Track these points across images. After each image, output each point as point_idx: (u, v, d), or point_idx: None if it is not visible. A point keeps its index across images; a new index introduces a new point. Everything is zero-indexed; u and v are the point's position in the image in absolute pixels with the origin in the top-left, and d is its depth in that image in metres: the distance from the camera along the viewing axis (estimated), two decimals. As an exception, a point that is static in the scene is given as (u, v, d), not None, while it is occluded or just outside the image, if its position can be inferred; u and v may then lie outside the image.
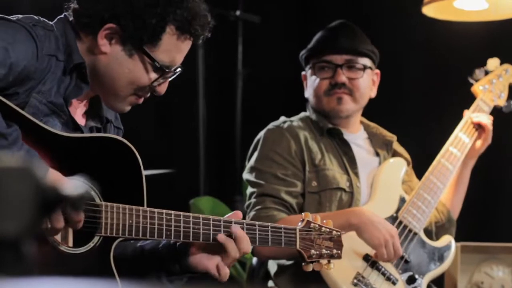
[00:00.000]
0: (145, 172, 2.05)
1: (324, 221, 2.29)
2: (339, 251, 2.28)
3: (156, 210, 2.03)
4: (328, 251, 2.26)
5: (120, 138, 2.05)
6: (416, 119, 4.27)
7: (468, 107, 3.23)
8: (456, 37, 3.95)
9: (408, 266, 2.95)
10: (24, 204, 1.00)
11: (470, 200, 3.28)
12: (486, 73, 3.31)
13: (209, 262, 2.11)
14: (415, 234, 2.98)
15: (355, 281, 2.84)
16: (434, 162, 3.10)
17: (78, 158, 1.99)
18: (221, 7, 4.30)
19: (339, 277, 2.83)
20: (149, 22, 2.04)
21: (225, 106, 4.54)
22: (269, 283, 3.04)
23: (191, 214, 2.08)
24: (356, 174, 3.04)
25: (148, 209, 2.02)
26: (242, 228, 2.13)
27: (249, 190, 3.02)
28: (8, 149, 1.82)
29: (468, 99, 3.26)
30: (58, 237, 1.93)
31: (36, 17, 2.04)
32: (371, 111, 3.25)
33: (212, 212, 3.73)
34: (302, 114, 3.17)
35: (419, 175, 3.15)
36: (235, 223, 2.13)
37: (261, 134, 3.09)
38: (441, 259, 3.03)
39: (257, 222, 2.20)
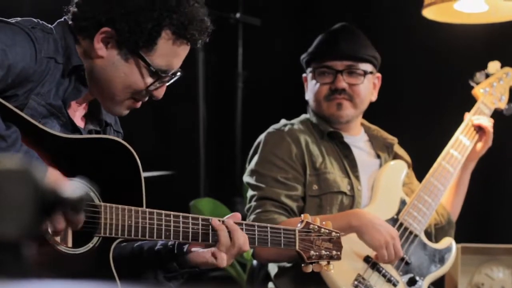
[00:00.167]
0: (145, 174, 2.05)
1: (324, 222, 2.29)
2: (339, 252, 2.28)
3: (155, 210, 2.03)
4: (328, 252, 2.26)
5: (118, 139, 2.06)
6: (416, 122, 4.27)
7: (468, 110, 3.23)
8: (456, 39, 3.95)
9: (409, 268, 2.95)
10: (23, 205, 1.00)
11: (471, 202, 3.28)
12: (487, 76, 3.31)
13: (206, 253, 2.12)
14: (416, 236, 2.98)
15: (355, 282, 2.84)
16: (435, 165, 3.10)
17: (77, 159, 1.99)
18: (221, 9, 4.30)
19: (339, 278, 2.83)
20: (144, 26, 2.04)
21: (225, 108, 4.54)
22: (269, 284, 3.04)
23: (190, 215, 2.09)
24: (357, 177, 3.04)
25: (147, 209, 2.03)
26: (241, 229, 2.14)
27: (250, 193, 3.01)
28: (7, 150, 1.82)
29: (469, 102, 3.26)
30: (57, 238, 1.93)
31: (35, 20, 2.05)
32: (372, 113, 3.25)
33: (212, 214, 3.73)
34: (303, 117, 3.16)
35: (420, 178, 3.16)
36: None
37: (262, 137, 3.09)
38: (441, 261, 3.03)
39: (256, 223, 2.21)
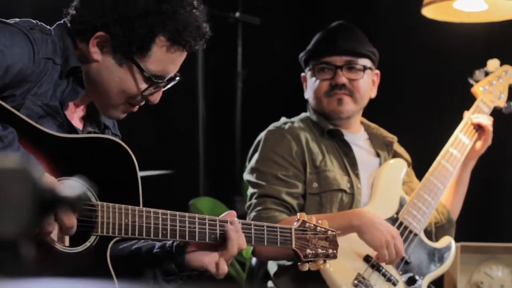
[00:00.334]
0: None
1: (319, 221, 2.30)
2: (335, 251, 2.29)
3: (151, 209, 2.03)
4: (324, 251, 2.26)
5: (115, 139, 2.06)
6: (416, 120, 4.27)
7: (468, 108, 3.23)
8: (456, 38, 3.95)
9: (409, 267, 2.95)
10: (21, 204, 1.00)
11: (470, 201, 3.28)
12: (486, 74, 3.31)
13: (205, 258, 2.11)
14: (416, 235, 2.98)
15: (355, 282, 2.84)
16: (434, 163, 3.10)
17: (74, 159, 1.99)
18: (221, 8, 4.30)
19: (339, 278, 2.83)
20: (138, 32, 2.04)
21: (225, 107, 4.55)
22: (269, 283, 3.04)
23: (186, 214, 2.09)
24: (357, 175, 3.04)
25: (144, 208, 2.03)
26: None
27: (250, 191, 3.02)
28: (4, 151, 1.82)
29: (468, 100, 3.26)
30: (54, 237, 1.93)
31: (33, 21, 2.05)
32: (371, 111, 3.25)
33: (211, 213, 3.73)
34: (303, 115, 3.17)
35: (419, 176, 3.16)
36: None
37: (262, 135, 3.09)
38: (441, 260, 3.03)
39: (252, 222, 2.21)
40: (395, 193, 3.06)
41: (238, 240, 2.11)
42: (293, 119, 3.15)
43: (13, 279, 0.99)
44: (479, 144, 3.18)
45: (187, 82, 2.26)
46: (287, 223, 2.30)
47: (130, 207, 2.00)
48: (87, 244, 1.98)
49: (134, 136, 2.26)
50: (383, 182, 3.06)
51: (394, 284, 2.89)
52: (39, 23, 2.06)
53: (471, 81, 3.31)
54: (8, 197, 0.99)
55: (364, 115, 3.22)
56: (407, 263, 2.94)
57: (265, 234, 2.19)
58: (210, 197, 4.00)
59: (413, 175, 3.24)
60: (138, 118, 2.44)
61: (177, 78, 2.13)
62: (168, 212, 2.06)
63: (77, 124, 2.13)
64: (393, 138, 3.23)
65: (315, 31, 3.23)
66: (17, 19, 2.03)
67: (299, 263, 2.26)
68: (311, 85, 3.12)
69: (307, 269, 2.26)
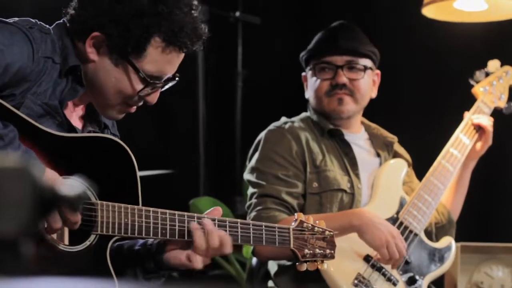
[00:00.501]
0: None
1: (317, 221, 2.30)
2: (332, 251, 2.29)
3: (151, 209, 2.04)
4: (322, 251, 2.27)
5: (114, 138, 2.07)
6: (416, 120, 4.27)
7: (468, 109, 3.23)
8: (456, 38, 3.95)
9: (409, 267, 2.95)
10: (22, 203, 1.00)
11: (470, 201, 3.28)
12: (487, 74, 3.31)
13: (182, 255, 2.11)
14: (416, 235, 2.97)
15: (355, 282, 2.83)
16: (435, 163, 3.10)
17: (74, 158, 2.00)
18: (221, 8, 4.30)
19: (339, 277, 2.83)
20: (133, 32, 2.03)
21: (225, 107, 4.55)
22: (269, 283, 3.04)
23: (185, 213, 2.09)
24: (357, 175, 3.04)
25: (143, 207, 2.03)
26: (236, 227, 2.14)
27: (250, 190, 3.02)
28: (4, 149, 1.83)
29: (469, 100, 3.26)
30: (54, 236, 1.94)
31: (33, 20, 2.06)
32: (372, 111, 3.25)
33: (212, 213, 3.72)
34: (303, 115, 3.17)
35: (420, 176, 3.15)
36: (230, 222, 2.14)
37: (262, 134, 3.09)
38: (441, 260, 3.02)
39: (251, 222, 2.21)
40: (395, 193, 3.05)
41: (212, 244, 2.09)
42: (293, 118, 3.15)
43: (13, 278, 0.99)
44: (479, 144, 3.18)
45: (187, 82, 2.26)
46: (287, 223, 2.30)
47: (129, 206, 2.01)
48: (87, 243, 1.98)
49: (134, 136, 2.26)
50: (383, 182, 3.06)
51: (394, 284, 2.89)
52: (38, 22, 2.06)
53: (472, 82, 3.30)
54: (8, 196, 0.99)
55: (364, 115, 3.22)
56: (407, 263, 2.94)
57: (264, 234, 2.19)
58: (211, 197, 4.01)
59: (413, 175, 3.24)
60: (138, 118, 2.44)
61: (176, 79, 2.13)
62: (168, 211, 2.06)
63: (76, 123, 2.13)
64: (393, 138, 3.23)
65: (315, 31, 3.23)
66: (16, 19, 2.03)
67: (297, 263, 2.26)
68: (311, 84, 3.12)
69: (305, 269, 2.27)
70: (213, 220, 2.12)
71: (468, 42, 3.96)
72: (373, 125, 3.24)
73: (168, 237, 2.06)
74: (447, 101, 4.08)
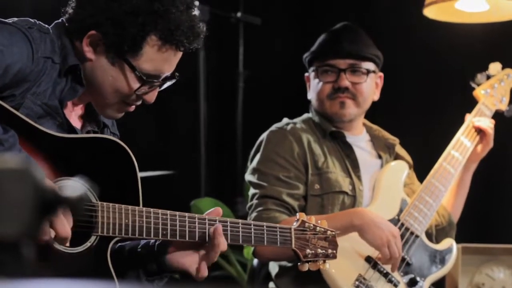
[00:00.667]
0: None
1: (319, 221, 2.29)
2: (334, 251, 2.28)
3: (151, 209, 2.04)
4: (324, 251, 2.26)
5: (114, 138, 2.07)
6: (418, 122, 4.27)
7: (469, 111, 3.23)
8: (457, 39, 3.95)
9: (410, 268, 2.95)
10: (23, 205, 0.99)
11: (471, 202, 3.28)
12: (488, 77, 3.31)
13: (185, 260, 2.11)
14: (417, 236, 2.97)
15: (356, 283, 2.83)
16: (436, 166, 3.10)
17: (74, 159, 2.00)
18: (222, 8, 4.29)
19: (340, 278, 2.82)
20: (129, 31, 2.03)
21: (226, 108, 4.54)
22: (270, 284, 3.04)
23: (186, 214, 2.08)
24: (359, 177, 3.04)
25: (144, 208, 2.03)
26: (238, 227, 2.14)
27: (251, 191, 3.01)
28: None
29: (469, 102, 3.26)
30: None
31: (32, 20, 2.06)
32: (373, 113, 3.25)
33: (212, 214, 3.72)
34: (305, 116, 3.16)
35: (421, 178, 3.15)
36: (230, 221, 2.14)
37: (264, 135, 3.09)
38: (442, 262, 3.02)
39: (252, 222, 2.21)
40: (396, 195, 3.05)
41: (222, 248, 2.10)
42: (295, 120, 3.14)
43: (14, 279, 0.99)
44: (480, 147, 3.18)
45: (188, 82, 2.25)
46: (287, 224, 2.30)
47: (130, 207, 2.00)
48: (88, 244, 1.98)
49: (135, 136, 2.26)
50: (384, 184, 3.05)
51: (395, 285, 2.89)
52: (37, 22, 2.06)
53: (473, 84, 3.30)
54: (10, 198, 0.99)
55: (365, 116, 3.21)
56: (408, 264, 2.94)
57: (265, 234, 2.19)
58: (212, 197, 4.00)
59: (414, 177, 3.23)
60: (139, 118, 2.44)
61: (176, 77, 2.12)
62: (168, 212, 2.06)
63: (76, 123, 2.13)
64: (395, 140, 3.22)
65: (316, 31, 3.23)
66: (15, 19, 2.03)
67: (299, 263, 2.26)
68: (314, 86, 3.12)
69: (306, 269, 2.26)
70: (226, 221, 2.12)
71: (469, 43, 3.96)
72: (374, 126, 3.24)
73: (169, 238, 2.06)
74: (447, 102, 4.08)
